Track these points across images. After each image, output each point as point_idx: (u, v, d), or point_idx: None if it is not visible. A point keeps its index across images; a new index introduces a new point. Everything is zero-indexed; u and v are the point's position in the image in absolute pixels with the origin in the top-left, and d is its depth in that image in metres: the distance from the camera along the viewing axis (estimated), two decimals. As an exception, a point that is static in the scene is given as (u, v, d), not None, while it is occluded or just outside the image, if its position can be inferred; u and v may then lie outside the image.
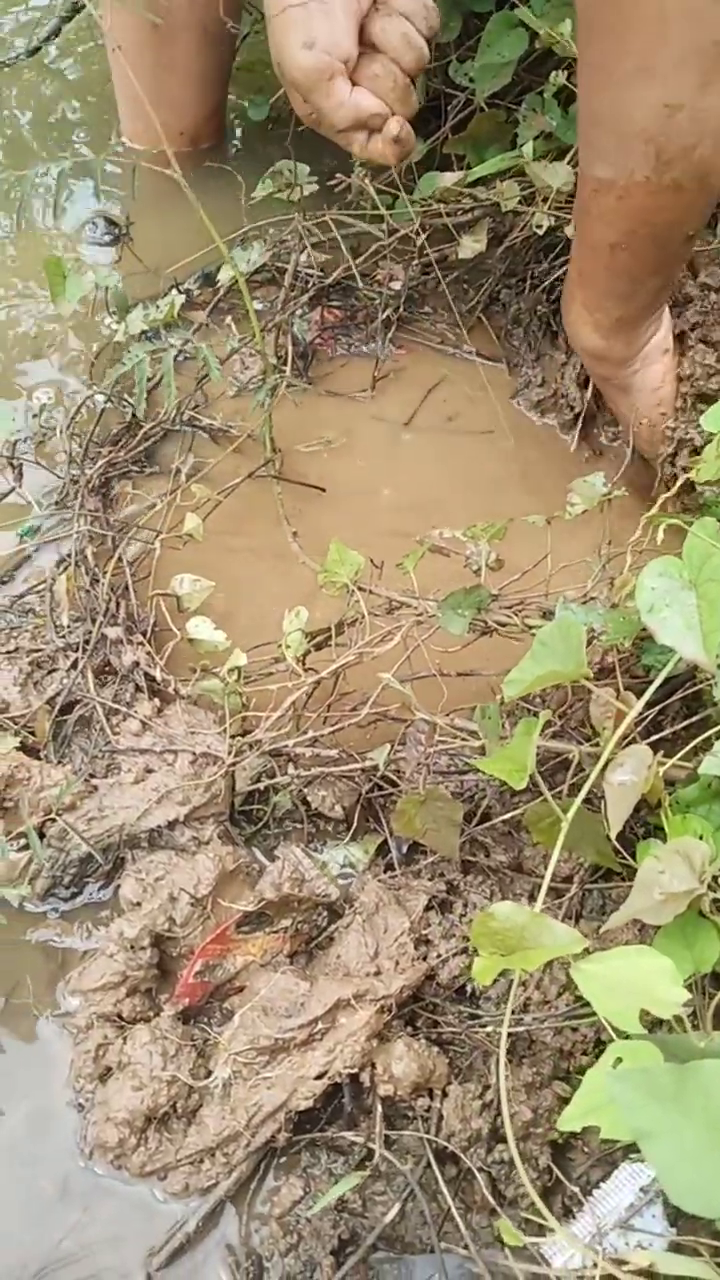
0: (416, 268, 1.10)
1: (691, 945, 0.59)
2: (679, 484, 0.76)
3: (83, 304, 1.03)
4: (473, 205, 1.03)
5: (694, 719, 0.69)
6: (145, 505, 0.94)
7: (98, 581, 0.86)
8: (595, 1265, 0.53)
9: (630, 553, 0.67)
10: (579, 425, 1.02)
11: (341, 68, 0.78)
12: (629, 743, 0.60)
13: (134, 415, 0.98)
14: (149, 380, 0.89)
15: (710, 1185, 0.41)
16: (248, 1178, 0.65)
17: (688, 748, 0.62)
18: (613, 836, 0.58)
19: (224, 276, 1.01)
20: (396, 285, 1.10)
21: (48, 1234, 0.64)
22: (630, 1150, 0.60)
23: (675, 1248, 0.54)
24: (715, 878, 0.56)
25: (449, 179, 1.04)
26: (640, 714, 0.61)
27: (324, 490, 0.97)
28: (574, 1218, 0.58)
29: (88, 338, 1.08)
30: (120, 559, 0.88)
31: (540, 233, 1.00)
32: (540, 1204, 0.49)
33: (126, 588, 0.87)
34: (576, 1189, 0.59)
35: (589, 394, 1.00)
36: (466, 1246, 0.59)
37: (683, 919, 0.57)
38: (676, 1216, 0.56)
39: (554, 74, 1.01)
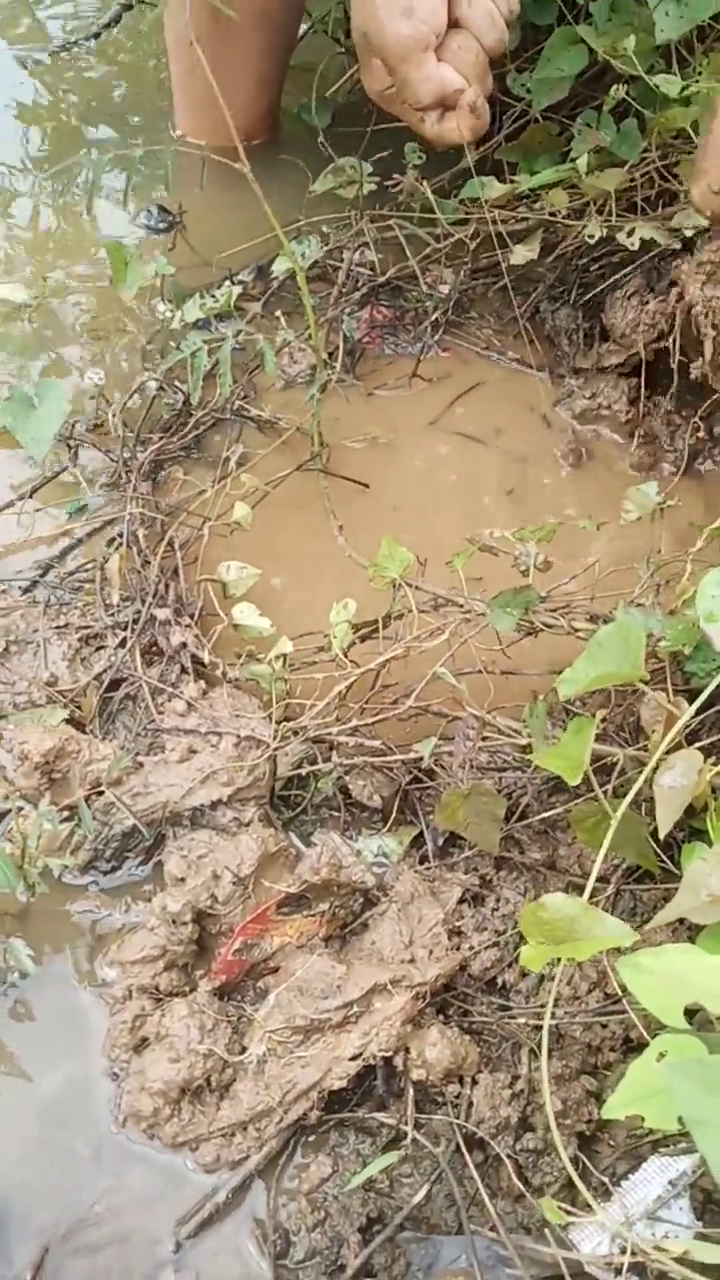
0: (467, 272, 1.11)
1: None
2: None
3: (139, 290, 1.04)
4: (527, 215, 1.05)
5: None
6: (195, 491, 0.95)
7: (148, 563, 0.88)
8: (625, 1252, 0.55)
9: (691, 561, 0.69)
10: (635, 438, 1.03)
11: (434, 40, 0.80)
12: (676, 748, 0.62)
13: (186, 402, 0.99)
14: (201, 369, 0.90)
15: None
16: (278, 1153, 0.66)
17: (731, 755, 0.64)
18: (661, 837, 0.60)
19: (278, 268, 1.02)
20: (445, 289, 1.12)
21: (80, 1196, 0.65)
22: (659, 1144, 0.62)
23: (702, 1239, 0.56)
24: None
25: (499, 190, 1.05)
26: (688, 721, 0.62)
27: (367, 486, 0.99)
28: (602, 1208, 0.59)
29: (141, 323, 1.10)
30: (170, 542, 0.90)
31: (592, 242, 1.01)
32: (579, 1183, 0.51)
33: (176, 570, 0.89)
34: (605, 1179, 0.61)
35: (638, 409, 1.02)
36: (494, 1229, 0.61)
37: (724, 921, 0.58)
38: (704, 1210, 0.58)
39: (613, 88, 1.02)
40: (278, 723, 0.78)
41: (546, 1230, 0.60)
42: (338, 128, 1.22)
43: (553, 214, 1.02)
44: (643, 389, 1.02)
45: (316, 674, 0.80)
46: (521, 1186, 0.62)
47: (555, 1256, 0.58)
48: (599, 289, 1.05)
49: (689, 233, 0.95)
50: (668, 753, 0.61)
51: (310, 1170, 0.66)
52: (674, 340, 0.97)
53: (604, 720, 0.74)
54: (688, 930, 0.68)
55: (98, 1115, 0.68)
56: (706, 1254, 0.50)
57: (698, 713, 0.65)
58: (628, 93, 1.03)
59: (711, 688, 0.60)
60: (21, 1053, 0.70)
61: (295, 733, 0.77)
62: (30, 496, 0.94)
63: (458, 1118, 0.65)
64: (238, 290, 1.00)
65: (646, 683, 0.60)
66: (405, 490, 1.00)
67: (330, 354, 1.05)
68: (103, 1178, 0.66)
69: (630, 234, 0.99)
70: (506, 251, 1.06)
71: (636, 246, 0.98)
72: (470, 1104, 0.66)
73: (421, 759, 0.75)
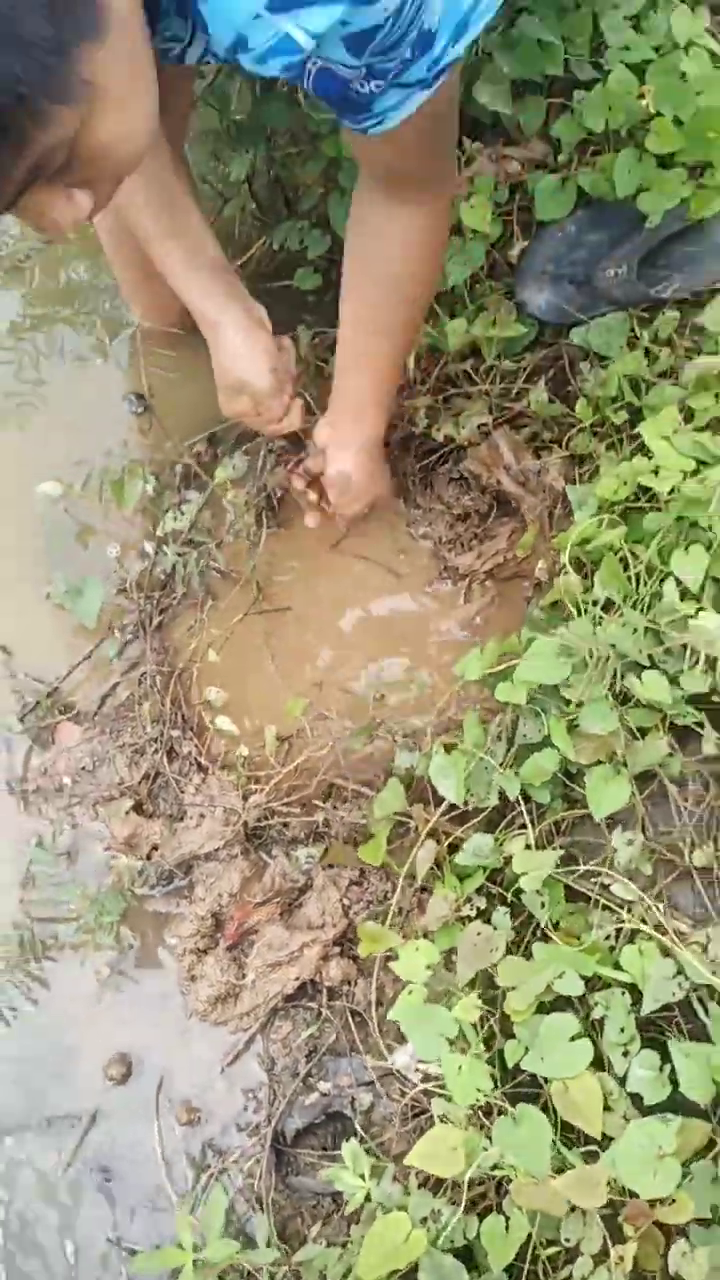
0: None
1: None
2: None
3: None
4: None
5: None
6: (186, 629, 1.56)
7: (163, 694, 1.51)
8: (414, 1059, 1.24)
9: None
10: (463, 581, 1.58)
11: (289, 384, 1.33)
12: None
13: (173, 570, 1.58)
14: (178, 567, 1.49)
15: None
16: (265, 1023, 1.37)
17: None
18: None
19: (219, 477, 1.57)
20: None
21: (179, 1039, 1.37)
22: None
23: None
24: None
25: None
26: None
27: (290, 608, 1.58)
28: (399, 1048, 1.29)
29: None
30: (177, 676, 1.52)
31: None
32: (381, 1045, 1.20)
33: (177, 700, 1.51)
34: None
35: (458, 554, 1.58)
36: (359, 1052, 1.31)
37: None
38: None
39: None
40: (244, 797, 1.43)
41: (384, 1052, 1.29)
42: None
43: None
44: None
45: (262, 769, 1.44)
46: (377, 1035, 1.32)
47: (389, 1064, 1.28)
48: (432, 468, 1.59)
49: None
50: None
51: (282, 1030, 1.36)
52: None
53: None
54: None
55: (179, 1015, 1.39)
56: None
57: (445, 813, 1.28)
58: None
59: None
60: (136, 982, 1.41)
61: (253, 803, 1.42)
62: (89, 658, 1.56)
63: (347, 1000, 1.35)
64: (191, 461, 1.56)
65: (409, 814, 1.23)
66: (318, 606, 1.59)
67: (261, 508, 1.61)
68: (183, 1039, 1.37)
69: (439, 429, 1.52)
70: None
71: (441, 439, 1.51)
72: (352, 995, 1.35)
73: (325, 814, 1.40)
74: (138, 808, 1.46)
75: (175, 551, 1.51)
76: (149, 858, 1.42)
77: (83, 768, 1.48)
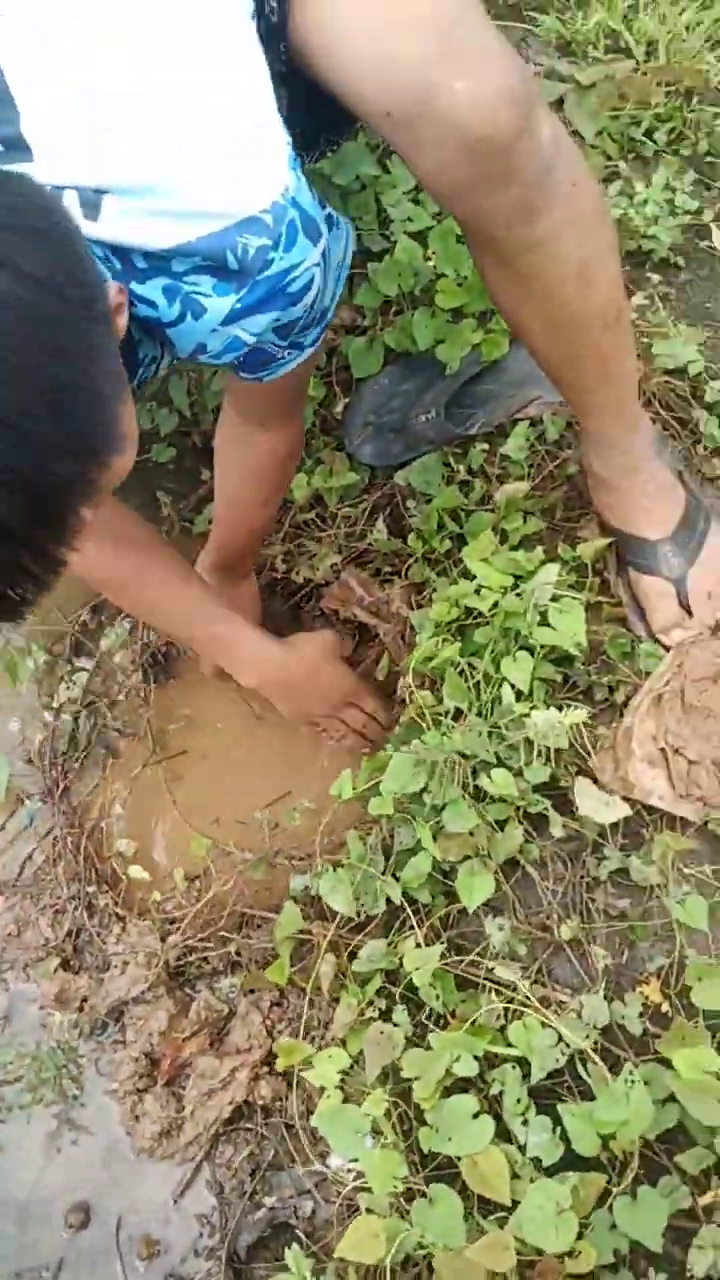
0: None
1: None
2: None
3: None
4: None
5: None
6: (94, 785, 1.68)
7: (77, 852, 1.61)
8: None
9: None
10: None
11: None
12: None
13: (72, 735, 1.70)
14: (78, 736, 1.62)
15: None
16: (209, 1149, 1.45)
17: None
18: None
19: (104, 645, 1.70)
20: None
21: (123, 1182, 1.44)
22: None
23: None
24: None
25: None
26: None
27: (185, 752, 1.70)
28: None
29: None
30: (85, 839, 1.63)
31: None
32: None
33: (89, 856, 1.62)
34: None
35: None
36: (295, 1163, 1.40)
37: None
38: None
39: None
40: (162, 939, 1.53)
41: (317, 1159, 1.38)
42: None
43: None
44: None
45: (176, 910, 1.55)
46: (308, 1145, 1.41)
47: (325, 1170, 1.37)
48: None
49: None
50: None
51: (225, 1153, 1.44)
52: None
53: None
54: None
55: (128, 1154, 1.47)
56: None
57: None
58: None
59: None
60: (84, 1130, 1.49)
61: (172, 943, 1.52)
62: (3, 829, 1.67)
63: (282, 1116, 1.44)
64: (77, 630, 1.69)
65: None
66: (210, 748, 1.72)
67: (147, 664, 1.75)
68: (135, 1177, 1.45)
69: (298, 572, 1.67)
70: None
71: (301, 580, 1.67)
72: (285, 1110, 1.44)
73: (237, 944, 1.50)
74: (64, 964, 1.55)
75: (72, 715, 1.64)
76: (81, 1010, 1.51)
77: (9, 933, 1.58)
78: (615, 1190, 1.14)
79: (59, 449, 0.70)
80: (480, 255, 1.13)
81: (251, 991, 1.51)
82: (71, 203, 0.88)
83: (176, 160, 0.89)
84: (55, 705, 1.67)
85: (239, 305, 0.94)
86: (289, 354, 1.07)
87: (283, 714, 1.54)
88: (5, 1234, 1.44)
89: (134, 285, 0.94)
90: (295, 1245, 1.23)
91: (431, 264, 1.65)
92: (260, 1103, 1.44)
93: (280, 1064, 1.35)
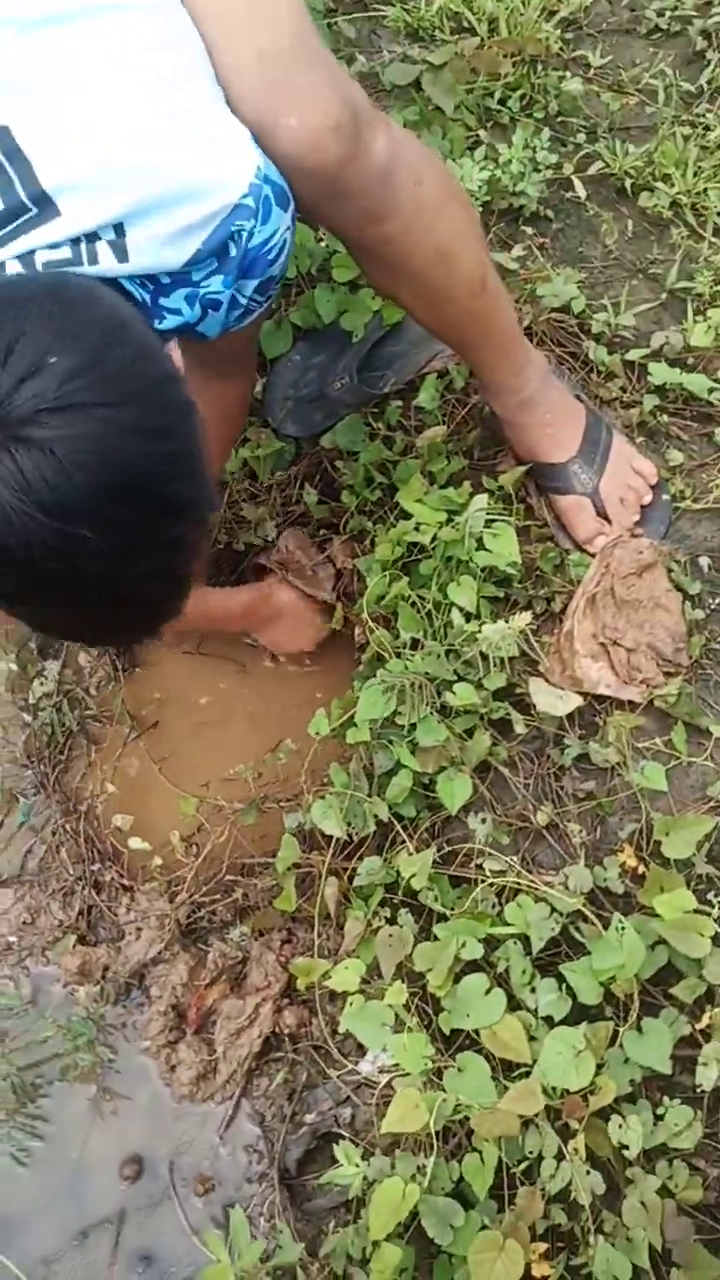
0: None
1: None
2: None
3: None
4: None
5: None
6: (86, 765, 1.77)
7: (78, 834, 1.70)
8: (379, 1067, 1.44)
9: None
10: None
11: None
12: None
13: (53, 727, 1.79)
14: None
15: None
16: (245, 1085, 1.55)
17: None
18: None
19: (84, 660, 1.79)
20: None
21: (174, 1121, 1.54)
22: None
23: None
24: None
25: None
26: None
27: (157, 724, 1.80)
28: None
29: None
30: (85, 814, 1.71)
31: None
32: (336, 1051, 1.40)
33: (92, 836, 1.71)
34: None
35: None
36: (329, 1078, 1.50)
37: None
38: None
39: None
40: (170, 900, 1.63)
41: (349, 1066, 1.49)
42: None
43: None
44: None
45: (178, 870, 1.64)
46: (339, 1056, 1.51)
47: (357, 1076, 1.47)
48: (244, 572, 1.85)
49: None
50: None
51: (261, 1085, 1.54)
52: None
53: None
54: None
55: (170, 1104, 1.56)
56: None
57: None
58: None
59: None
60: (124, 1090, 1.57)
61: (180, 900, 1.62)
62: (1, 827, 1.74)
63: (309, 1040, 1.54)
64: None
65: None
66: (184, 715, 1.81)
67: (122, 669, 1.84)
68: (180, 1123, 1.54)
69: (239, 541, 1.78)
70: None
71: (242, 547, 1.78)
72: (310, 1033, 1.54)
73: (242, 889, 1.60)
74: (81, 940, 1.64)
75: (51, 708, 1.72)
76: (104, 979, 1.60)
77: (23, 923, 1.66)
78: (623, 1029, 1.26)
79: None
80: (348, 249, 1.27)
81: (261, 934, 1.61)
82: (105, 255, 0.94)
83: (175, 163, 0.95)
84: (32, 703, 1.76)
85: (229, 278, 1.01)
86: (257, 302, 1.12)
87: (278, 647, 1.74)
88: (63, 1197, 1.52)
89: (161, 300, 1.01)
90: (343, 1141, 1.34)
91: (324, 244, 1.77)
92: (287, 1031, 1.54)
93: (300, 983, 1.45)
